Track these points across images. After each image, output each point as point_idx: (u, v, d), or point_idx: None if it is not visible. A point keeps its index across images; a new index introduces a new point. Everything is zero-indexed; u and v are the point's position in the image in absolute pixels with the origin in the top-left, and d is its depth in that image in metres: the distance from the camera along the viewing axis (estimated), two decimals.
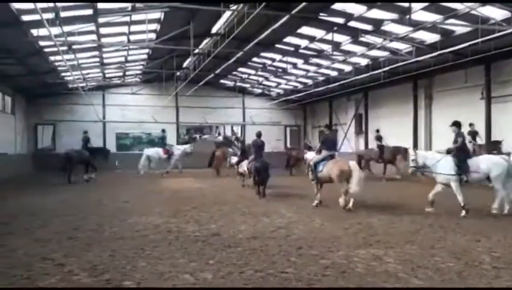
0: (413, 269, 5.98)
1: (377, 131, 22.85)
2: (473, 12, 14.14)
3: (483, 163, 10.75)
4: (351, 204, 11.10)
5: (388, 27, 16.82)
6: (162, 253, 6.84)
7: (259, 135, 15.27)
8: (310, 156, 13.51)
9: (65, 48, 16.42)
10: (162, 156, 24.14)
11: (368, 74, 21.73)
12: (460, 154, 10.78)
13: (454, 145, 10.92)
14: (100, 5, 14.92)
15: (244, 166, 17.09)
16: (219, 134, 43.22)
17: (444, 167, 10.74)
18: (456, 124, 11.27)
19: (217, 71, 23.95)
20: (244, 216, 10.41)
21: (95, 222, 9.71)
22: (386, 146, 21.93)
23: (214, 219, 10.06)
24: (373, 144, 23.80)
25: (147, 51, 23.25)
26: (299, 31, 18.84)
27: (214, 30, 20.00)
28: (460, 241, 7.66)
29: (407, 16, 14.32)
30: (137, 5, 15.34)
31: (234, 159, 20.02)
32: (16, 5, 13.38)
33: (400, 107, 24.46)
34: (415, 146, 22.72)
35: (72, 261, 6.36)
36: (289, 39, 20.10)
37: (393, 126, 24.72)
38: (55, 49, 16.96)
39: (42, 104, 30.74)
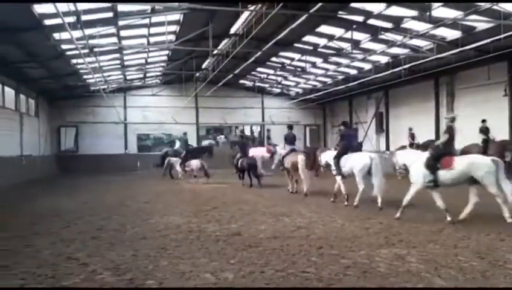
0: (436, 268, 5.89)
1: (483, 121, 18.54)
2: (494, 7, 13.89)
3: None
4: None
5: (408, 24, 16.64)
6: (183, 252, 6.89)
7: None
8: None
9: (86, 50, 16.71)
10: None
11: (388, 72, 21.51)
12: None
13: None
14: (120, 8, 15.14)
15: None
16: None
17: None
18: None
19: (236, 71, 24.07)
20: (264, 216, 10.40)
21: (118, 222, 9.85)
22: (492, 140, 18.52)
23: (234, 218, 10.09)
24: (400, 142, 23.35)
25: (166, 52, 23.48)
26: (317, 29, 18.78)
27: (232, 31, 20.10)
28: (484, 240, 7.51)
29: (428, 13, 14.15)
30: (157, 6, 15.51)
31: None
32: (39, 10, 13.66)
33: (421, 105, 24.16)
34: None
35: (96, 260, 6.46)
36: (308, 38, 20.05)
37: (414, 124, 24.36)
38: (76, 52, 17.33)
39: (65, 106, 31.34)
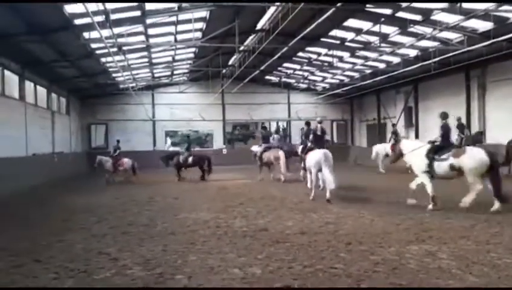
0: (468, 265, 5.77)
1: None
2: None
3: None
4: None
5: (438, 16, 16.26)
6: (211, 248, 6.95)
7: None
8: None
9: (115, 49, 16.99)
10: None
11: (418, 65, 21.08)
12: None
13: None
14: (148, 6, 15.31)
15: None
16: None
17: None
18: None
19: (262, 67, 24.04)
20: (291, 212, 10.39)
21: (148, 217, 10.02)
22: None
23: (261, 214, 10.11)
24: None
25: (193, 49, 23.65)
26: (345, 23, 18.56)
27: (258, 26, 20.08)
28: None
29: (458, 4, 13.79)
30: (184, 4, 15.63)
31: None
32: (69, 10, 13.95)
33: (452, 98, 23.59)
34: None
35: (126, 255, 6.59)
36: (335, 32, 19.82)
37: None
38: (105, 50, 17.64)
39: (95, 104, 31.99)
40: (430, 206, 10.04)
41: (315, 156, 12.43)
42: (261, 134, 21.10)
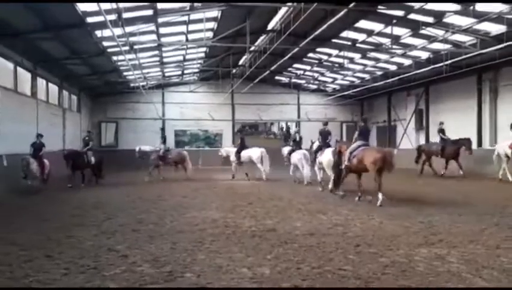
0: (477, 269, 5.73)
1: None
2: None
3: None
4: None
5: (450, 19, 16.17)
6: (220, 247, 6.97)
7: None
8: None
9: (127, 48, 17.08)
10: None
11: (429, 68, 20.99)
12: None
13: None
14: (160, 6, 15.39)
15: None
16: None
17: None
18: None
19: (273, 68, 24.03)
20: (300, 213, 10.38)
21: (157, 215, 10.06)
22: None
23: (269, 214, 10.11)
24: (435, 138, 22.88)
25: (204, 49, 23.73)
26: (356, 25, 18.52)
27: (269, 27, 20.09)
28: None
29: (471, 7, 13.69)
30: (195, 4, 15.68)
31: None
32: (82, 8, 14.06)
33: (463, 101, 23.46)
34: (479, 143, 21.76)
35: (136, 252, 6.62)
36: (346, 33, 19.78)
37: (455, 122, 23.73)
38: (117, 49, 17.77)
39: (105, 102, 32.24)
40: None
41: (298, 155, 17.26)
42: (283, 135, 21.60)
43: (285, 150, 19.64)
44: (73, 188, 16.27)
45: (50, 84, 22.57)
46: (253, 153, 19.72)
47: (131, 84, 29.22)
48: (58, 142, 23.19)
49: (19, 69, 18.30)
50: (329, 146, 15.30)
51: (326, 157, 14.64)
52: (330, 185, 13.70)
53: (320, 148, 15.91)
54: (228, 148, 22.08)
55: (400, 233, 7.95)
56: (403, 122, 29.95)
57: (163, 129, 22.13)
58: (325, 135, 15.77)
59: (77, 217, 9.91)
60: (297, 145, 18.40)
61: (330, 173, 14.05)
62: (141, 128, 32.46)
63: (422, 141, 27.29)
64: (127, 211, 10.69)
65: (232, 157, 20.54)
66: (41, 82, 21.23)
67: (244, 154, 19.99)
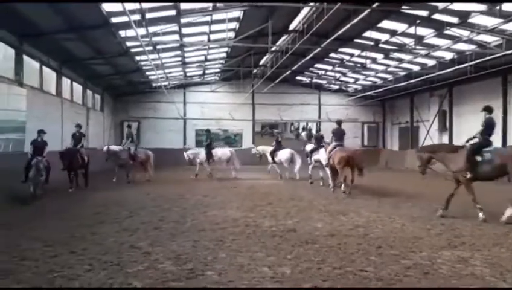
0: (501, 272, 5.63)
1: None
2: None
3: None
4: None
5: (475, 19, 15.87)
6: (240, 246, 6.99)
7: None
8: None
9: (150, 47, 17.27)
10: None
11: (453, 69, 20.64)
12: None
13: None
14: (183, 6, 15.51)
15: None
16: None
17: None
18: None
19: (294, 68, 23.96)
20: (320, 213, 10.34)
21: (178, 213, 10.15)
22: None
23: (290, 215, 10.10)
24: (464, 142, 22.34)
25: (226, 49, 23.82)
26: (379, 25, 18.33)
27: (291, 27, 20.05)
28: None
29: (497, 7, 13.43)
30: (218, 4, 15.76)
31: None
32: (106, 8, 14.28)
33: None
34: (504, 145, 21.29)
35: (158, 250, 6.70)
36: (369, 33, 19.60)
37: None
38: (140, 49, 17.98)
39: (128, 102, 32.66)
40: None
41: (286, 154, 19.72)
42: (307, 136, 21.82)
43: (308, 148, 19.28)
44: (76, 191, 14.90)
45: (74, 84, 22.98)
46: (283, 154, 19.95)
47: (154, 84, 29.54)
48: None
49: (44, 68, 18.67)
50: (342, 145, 14.91)
51: (324, 156, 15.99)
52: (331, 183, 15.09)
53: (316, 149, 17.56)
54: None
55: (422, 235, 7.86)
56: (425, 124, 29.52)
57: (129, 126, 20.32)
58: (340, 135, 15.29)
59: (99, 215, 10.06)
60: (319, 143, 18.07)
61: (328, 171, 15.42)
62: (162, 127, 32.80)
63: (446, 143, 26.92)
64: (148, 209, 10.81)
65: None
66: (66, 81, 21.62)
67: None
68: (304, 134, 35.63)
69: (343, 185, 14.42)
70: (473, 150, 9.97)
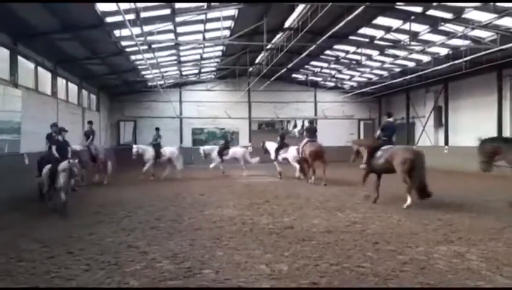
0: (498, 267, 5.68)
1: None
2: None
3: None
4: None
5: (470, 14, 15.89)
6: (238, 244, 7.02)
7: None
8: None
9: (145, 47, 17.22)
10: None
11: (448, 64, 20.66)
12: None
13: None
14: (177, 5, 15.48)
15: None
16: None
17: None
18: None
19: (289, 65, 23.94)
20: (317, 210, 10.39)
21: (175, 212, 10.17)
22: None
23: (287, 212, 10.14)
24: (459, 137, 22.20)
25: (221, 47, 23.78)
26: (374, 21, 18.32)
27: (286, 24, 20.04)
28: None
29: (491, 3, 13.45)
30: (213, 3, 15.73)
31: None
32: (101, 8, 14.23)
33: (483, 98, 23.08)
34: None
35: (155, 249, 6.72)
36: (364, 30, 19.58)
37: (475, 119, 23.40)
38: (136, 48, 17.91)
39: (124, 101, 32.58)
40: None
41: (240, 152, 21.34)
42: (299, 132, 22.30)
43: (269, 145, 20.67)
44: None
45: (70, 84, 22.87)
46: (290, 152, 19.19)
47: (149, 83, 29.45)
48: (78, 141, 23.45)
49: (39, 69, 18.59)
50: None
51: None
52: (297, 174, 18.15)
53: (281, 147, 19.18)
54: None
55: (418, 231, 7.91)
56: (421, 120, 29.60)
57: (90, 123, 18.83)
58: (312, 131, 18.04)
59: (97, 214, 10.06)
60: (311, 136, 18.30)
61: (296, 165, 18.18)
62: (159, 126, 32.66)
63: (442, 138, 27.01)
64: (145, 209, 10.82)
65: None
66: (61, 82, 21.52)
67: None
68: (296, 130, 35.80)
69: (313, 177, 16.76)
70: (372, 147, 12.25)
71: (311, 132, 17.90)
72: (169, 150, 20.49)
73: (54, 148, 11.63)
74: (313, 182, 16.54)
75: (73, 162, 10.88)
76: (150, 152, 19.83)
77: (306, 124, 18.18)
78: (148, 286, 5.13)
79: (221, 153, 21.09)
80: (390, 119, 13.23)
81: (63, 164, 10.62)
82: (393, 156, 11.18)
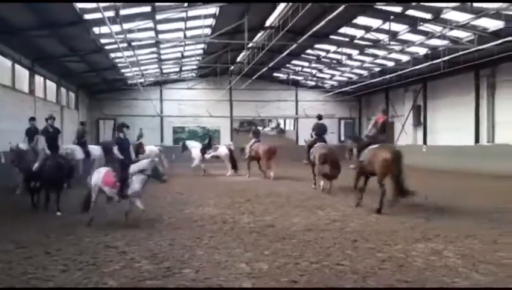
0: (474, 264, 5.78)
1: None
2: None
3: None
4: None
5: (448, 15, 16.16)
6: (218, 243, 7.01)
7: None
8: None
9: (125, 44, 17.05)
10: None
11: (427, 64, 20.98)
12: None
13: None
14: (158, 2, 15.35)
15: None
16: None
17: None
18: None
19: (271, 64, 23.98)
20: (297, 209, 10.43)
21: (155, 212, 10.06)
22: None
23: (268, 211, 10.16)
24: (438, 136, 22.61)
25: (202, 46, 23.69)
26: (354, 21, 18.49)
27: (268, 23, 20.06)
28: None
29: (469, 3, 13.69)
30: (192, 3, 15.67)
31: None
32: (79, 5, 14.03)
33: (461, 98, 23.48)
34: (477, 139, 21.78)
35: (134, 249, 6.65)
36: (344, 30, 19.76)
37: (453, 118, 23.81)
38: (115, 46, 17.71)
39: (103, 99, 32.22)
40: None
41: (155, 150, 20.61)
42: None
43: (191, 144, 21.83)
44: None
45: (48, 82, 22.53)
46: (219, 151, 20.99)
47: (129, 82, 29.19)
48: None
49: (16, 66, 18.26)
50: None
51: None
52: (229, 172, 19.98)
53: (207, 147, 20.58)
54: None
55: (397, 228, 8.00)
56: (400, 119, 29.97)
57: (32, 118, 14.83)
58: (257, 133, 20.44)
59: (76, 215, 9.84)
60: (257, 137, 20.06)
61: (228, 163, 20.23)
62: (139, 125, 32.27)
63: (420, 137, 27.39)
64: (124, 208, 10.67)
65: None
66: (39, 79, 21.18)
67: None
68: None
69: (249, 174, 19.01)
70: (308, 145, 14.97)
71: (256, 133, 20.27)
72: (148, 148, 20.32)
73: (115, 148, 9.16)
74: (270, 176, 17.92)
75: (156, 160, 9.40)
76: (78, 152, 16.94)
77: (252, 127, 21.67)
78: (127, 286, 5.07)
79: (203, 152, 20.91)
80: (321, 121, 15.45)
81: (144, 163, 8.91)
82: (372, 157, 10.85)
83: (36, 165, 10.43)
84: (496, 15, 15.15)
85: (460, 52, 18.48)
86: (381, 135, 10.85)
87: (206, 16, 17.37)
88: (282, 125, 44.08)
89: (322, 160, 13.55)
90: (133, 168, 8.71)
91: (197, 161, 20.90)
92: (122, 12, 14.38)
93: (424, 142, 26.73)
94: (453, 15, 16.18)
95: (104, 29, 15.52)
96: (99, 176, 8.83)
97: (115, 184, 8.67)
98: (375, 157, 10.01)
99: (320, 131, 15.13)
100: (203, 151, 20.89)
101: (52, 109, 22.74)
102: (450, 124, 23.93)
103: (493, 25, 16.44)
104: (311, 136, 15.28)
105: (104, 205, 9.09)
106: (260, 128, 40.90)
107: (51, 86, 23.23)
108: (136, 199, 8.63)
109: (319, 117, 15.63)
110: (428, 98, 26.88)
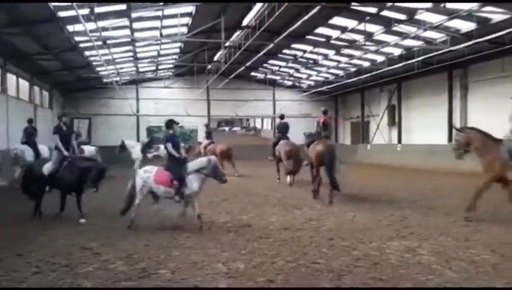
0: (447, 261, 5.89)
1: None
2: None
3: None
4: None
5: (422, 16, 16.47)
6: (195, 243, 6.97)
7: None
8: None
9: (100, 42, 16.83)
10: None
11: (401, 64, 21.34)
12: None
13: None
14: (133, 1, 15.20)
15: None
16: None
17: None
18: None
19: (248, 64, 24.02)
20: (275, 208, 10.46)
21: (130, 212, 9.91)
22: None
23: (245, 210, 10.15)
24: (412, 135, 22.99)
25: (179, 44, 23.56)
26: (330, 21, 18.67)
27: (244, 23, 20.07)
28: (496, 234, 7.47)
29: (442, 5, 13.96)
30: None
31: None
32: (53, 2, 13.75)
33: (434, 98, 23.95)
34: (450, 139, 22.22)
35: (109, 250, 6.55)
36: (320, 30, 19.94)
37: (427, 117, 24.26)
38: (90, 44, 17.47)
39: (78, 98, 31.72)
40: None
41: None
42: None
43: (131, 143, 21.29)
44: None
45: (20, 80, 22.03)
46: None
47: (105, 80, 28.80)
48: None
49: None
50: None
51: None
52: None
53: (149, 147, 20.19)
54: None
55: (372, 227, 8.10)
56: (376, 118, 30.38)
57: (30, 120, 16.10)
58: (209, 133, 21.45)
59: (47, 216, 9.63)
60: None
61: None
62: (115, 124, 32.02)
63: (395, 136, 27.80)
64: (99, 209, 10.53)
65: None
66: (11, 78, 20.70)
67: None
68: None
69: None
70: (273, 143, 16.39)
71: (209, 134, 21.42)
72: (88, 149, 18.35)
73: (169, 145, 8.48)
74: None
75: (214, 158, 8.65)
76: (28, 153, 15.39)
77: (208, 128, 22.29)
78: (102, 287, 5.01)
79: (144, 152, 20.07)
80: (284, 120, 16.41)
81: (202, 161, 8.38)
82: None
83: (51, 166, 9.62)
84: (468, 17, 15.50)
85: (434, 53, 18.86)
86: (324, 132, 12.20)
87: (182, 15, 17.29)
88: (252, 124, 44.30)
89: (287, 156, 14.80)
90: (191, 166, 8.26)
91: (139, 163, 18.94)
92: (97, 10, 14.22)
93: (399, 141, 27.15)
94: (426, 16, 16.49)
95: (79, 27, 15.30)
96: (148, 175, 8.28)
97: (172, 183, 8.16)
98: (313, 151, 11.57)
99: (283, 130, 16.17)
100: (144, 151, 19.79)
101: (25, 108, 22.29)
102: (424, 123, 24.38)
103: (465, 26, 16.84)
104: (274, 135, 16.42)
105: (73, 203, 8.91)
106: (237, 128, 41.10)
107: (24, 84, 22.73)
108: (194, 200, 8.21)
109: (282, 117, 16.72)
110: (403, 98, 27.33)
